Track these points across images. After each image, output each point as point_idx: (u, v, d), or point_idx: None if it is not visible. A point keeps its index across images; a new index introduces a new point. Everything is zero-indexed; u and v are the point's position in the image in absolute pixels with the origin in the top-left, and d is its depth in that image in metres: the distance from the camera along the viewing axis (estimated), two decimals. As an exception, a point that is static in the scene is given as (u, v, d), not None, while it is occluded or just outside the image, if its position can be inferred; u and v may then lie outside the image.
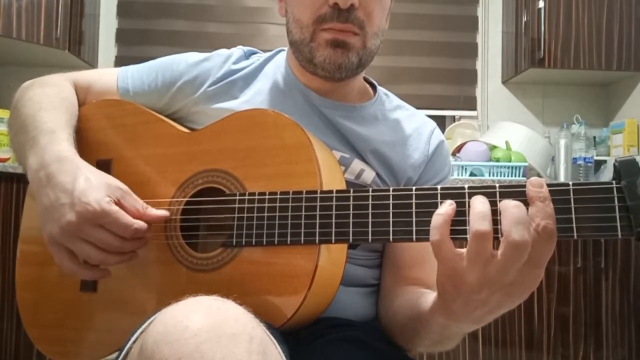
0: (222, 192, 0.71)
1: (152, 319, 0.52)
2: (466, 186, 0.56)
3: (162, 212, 0.70)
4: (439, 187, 0.58)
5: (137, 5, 2.58)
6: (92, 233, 0.65)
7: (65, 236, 0.66)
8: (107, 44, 2.57)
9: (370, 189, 0.61)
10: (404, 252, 0.82)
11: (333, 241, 0.62)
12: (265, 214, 0.66)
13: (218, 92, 0.86)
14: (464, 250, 0.53)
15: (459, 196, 0.56)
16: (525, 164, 2.18)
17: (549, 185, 0.53)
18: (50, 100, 0.81)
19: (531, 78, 2.54)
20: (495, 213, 0.52)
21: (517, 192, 0.54)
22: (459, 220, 0.55)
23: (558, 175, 2.36)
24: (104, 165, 0.78)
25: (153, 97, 0.87)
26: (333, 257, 0.67)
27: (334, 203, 0.62)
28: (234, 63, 0.89)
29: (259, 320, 0.52)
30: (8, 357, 1.88)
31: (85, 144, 0.82)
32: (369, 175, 0.82)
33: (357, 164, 0.82)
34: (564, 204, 0.52)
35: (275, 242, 0.65)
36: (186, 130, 0.80)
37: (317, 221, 0.63)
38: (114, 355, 0.62)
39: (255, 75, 0.89)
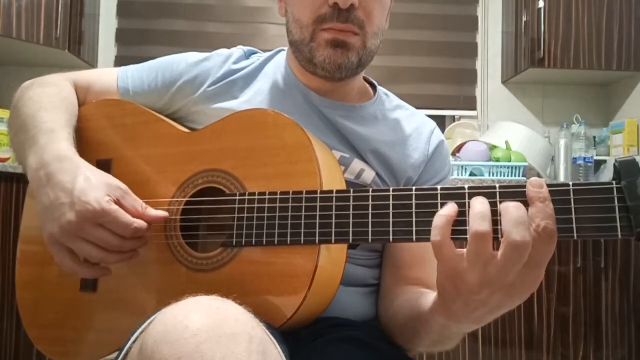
0: (222, 192, 0.71)
1: (152, 319, 0.52)
2: (466, 186, 0.56)
3: (162, 213, 0.70)
4: (439, 187, 0.58)
5: (137, 5, 2.58)
6: (92, 232, 0.65)
7: (65, 235, 0.66)
8: (107, 44, 2.57)
9: (371, 189, 0.61)
10: (404, 252, 0.82)
11: (333, 241, 0.62)
12: (266, 214, 0.66)
13: (218, 92, 0.86)
14: (464, 250, 0.53)
15: (459, 197, 0.56)
16: (525, 164, 2.18)
17: (549, 185, 0.53)
18: (50, 100, 0.81)
19: (531, 78, 2.54)
20: (495, 214, 0.52)
21: (517, 193, 0.54)
22: (459, 220, 0.55)
23: (558, 175, 2.36)
24: (104, 165, 0.78)
25: (153, 97, 0.87)
26: (333, 257, 0.67)
27: (334, 203, 0.62)
28: (234, 63, 0.89)
29: (259, 320, 0.52)
30: (8, 357, 1.88)
31: (86, 144, 0.82)
32: (369, 175, 0.82)
33: (357, 164, 0.82)
34: (564, 204, 0.52)
35: (276, 242, 0.65)
36: (186, 130, 0.80)
37: (317, 221, 0.63)
38: (114, 355, 0.62)
39: (256, 75, 0.89)
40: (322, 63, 0.78)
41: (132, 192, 0.70)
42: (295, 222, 0.64)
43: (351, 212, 0.61)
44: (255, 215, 0.66)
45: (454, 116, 2.67)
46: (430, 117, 0.97)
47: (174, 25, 2.58)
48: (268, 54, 0.92)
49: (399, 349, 0.76)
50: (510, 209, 0.51)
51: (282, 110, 0.72)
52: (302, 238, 0.63)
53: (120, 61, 2.55)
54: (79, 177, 0.67)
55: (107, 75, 0.91)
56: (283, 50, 0.93)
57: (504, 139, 2.26)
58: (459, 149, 2.24)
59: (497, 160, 2.15)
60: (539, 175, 2.31)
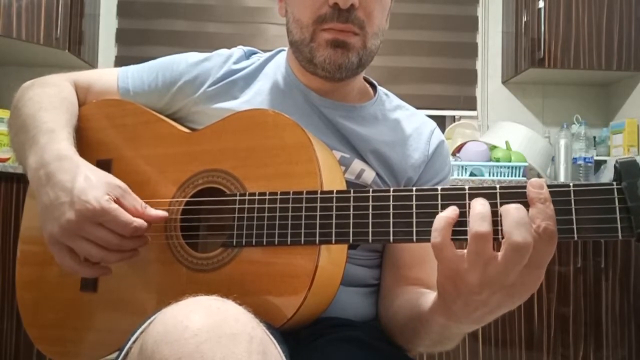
0: (222, 192, 0.71)
1: (152, 319, 0.52)
2: (466, 187, 0.56)
3: (161, 212, 0.70)
4: (439, 187, 0.58)
5: (137, 5, 2.58)
6: (92, 231, 0.65)
7: (65, 235, 0.66)
8: (107, 44, 2.57)
9: (371, 190, 0.61)
10: (404, 252, 0.82)
11: (333, 241, 0.62)
12: (266, 214, 0.66)
13: (218, 92, 0.86)
14: (464, 251, 0.53)
15: (460, 197, 0.56)
16: (525, 164, 2.18)
17: (549, 186, 0.53)
18: (51, 100, 0.81)
19: (531, 78, 2.54)
20: (495, 214, 0.52)
21: (518, 194, 0.54)
22: (459, 221, 0.55)
23: (558, 176, 2.36)
24: (104, 165, 0.78)
25: (153, 97, 0.87)
26: (333, 257, 0.67)
27: (334, 204, 0.62)
28: (235, 63, 0.89)
29: (259, 320, 0.52)
30: (8, 357, 1.88)
31: (86, 143, 0.82)
32: (369, 176, 0.82)
33: (357, 164, 0.82)
34: (564, 205, 0.52)
35: (276, 242, 0.65)
36: (186, 130, 0.80)
37: (318, 221, 0.63)
38: (114, 355, 0.62)
39: (256, 76, 0.89)
40: (322, 63, 0.78)
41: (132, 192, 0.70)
42: (296, 222, 0.64)
43: (351, 212, 0.61)
44: (256, 215, 0.66)
45: (454, 116, 2.67)
46: (430, 117, 0.97)
47: (174, 25, 2.58)
48: (268, 54, 0.92)
49: (399, 349, 0.76)
50: (511, 210, 0.51)
51: (282, 110, 0.72)
52: (302, 238, 0.63)
53: (120, 61, 2.55)
54: (79, 176, 0.67)
55: (107, 75, 0.91)
56: (283, 50, 0.93)
57: (504, 139, 2.26)
58: (459, 149, 2.24)
59: (497, 160, 2.15)
60: (539, 175, 2.31)
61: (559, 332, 1.97)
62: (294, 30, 0.81)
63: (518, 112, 2.63)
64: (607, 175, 2.37)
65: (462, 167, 2.15)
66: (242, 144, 0.72)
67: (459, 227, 0.55)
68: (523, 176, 2.15)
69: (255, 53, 0.93)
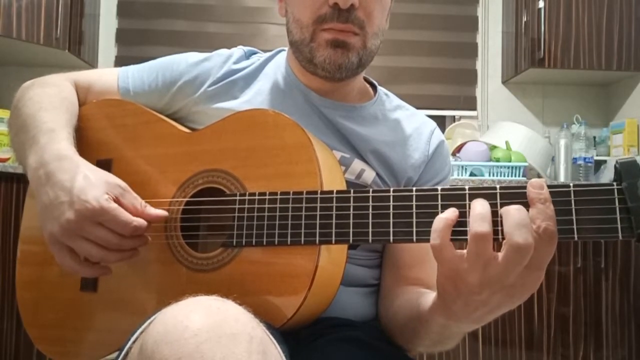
0: (222, 192, 0.71)
1: (152, 319, 0.52)
2: (467, 187, 0.56)
3: (161, 212, 0.70)
4: (439, 188, 0.58)
5: (137, 5, 2.58)
6: (92, 231, 0.65)
7: (65, 234, 0.66)
8: (107, 44, 2.57)
9: (371, 190, 0.61)
10: (404, 252, 0.82)
11: (333, 242, 0.62)
12: (266, 214, 0.66)
13: (218, 92, 0.86)
14: (464, 251, 0.53)
15: (460, 197, 0.56)
16: (525, 164, 2.18)
17: (549, 186, 0.53)
18: (51, 100, 0.81)
19: (531, 78, 2.54)
20: (495, 215, 0.52)
21: (518, 194, 0.54)
22: (459, 221, 0.55)
23: (558, 176, 2.36)
24: (104, 165, 0.78)
25: (153, 97, 0.87)
26: (333, 257, 0.67)
27: (334, 204, 0.62)
28: (235, 63, 0.89)
29: (259, 320, 0.52)
30: (8, 357, 1.88)
31: (86, 143, 0.82)
32: (369, 176, 0.82)
33: (357, 164, 0.82)
34: (564, 205, 0.52)
35: (276, 242, 0.65)
36: (187, 130, 0.80)
37: (318, 221, 0.63)
38: (114, 355, 0.62)
39: (256, 75, 0.89)
40: (322, 63, 0.78)
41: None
42: (296, 223, 0.64)
43: (351, 212, 0.61)
44: (256, 215, 0.66)
45: (454, 116, 2.67)
46: (430, 117, 0.97)
47: (174, 25, 2.58)
48: (268, 54, 0.92)
49: (399, 349, 0.76)
50: (512, 211, 0.51)
51: (282, 110, 0.72)
52: (302, 238, 0.63)
53: (120, 61, 2.55)
54: (78, 176, 0.67)
55: (108, 75, 0.91)
56: (283, 50, 0.93)
57: (504, 139, 2.26)
58: (459, 149, 2.24)
59: (497, 160, 2.15)
60: (538, 175, 2.31)
61: (559, 332, 1.97)
62: (294, 30, 0.81)
63: (518, 112, 2.63)
64: (607, 175, 2.37)
65: (462, 167, 2.15)
66: (242, 144, 0.72)
67: (459, 227, 0.54)
68: (523, 176, 2.15)
69: (255, 53, 0.93)
